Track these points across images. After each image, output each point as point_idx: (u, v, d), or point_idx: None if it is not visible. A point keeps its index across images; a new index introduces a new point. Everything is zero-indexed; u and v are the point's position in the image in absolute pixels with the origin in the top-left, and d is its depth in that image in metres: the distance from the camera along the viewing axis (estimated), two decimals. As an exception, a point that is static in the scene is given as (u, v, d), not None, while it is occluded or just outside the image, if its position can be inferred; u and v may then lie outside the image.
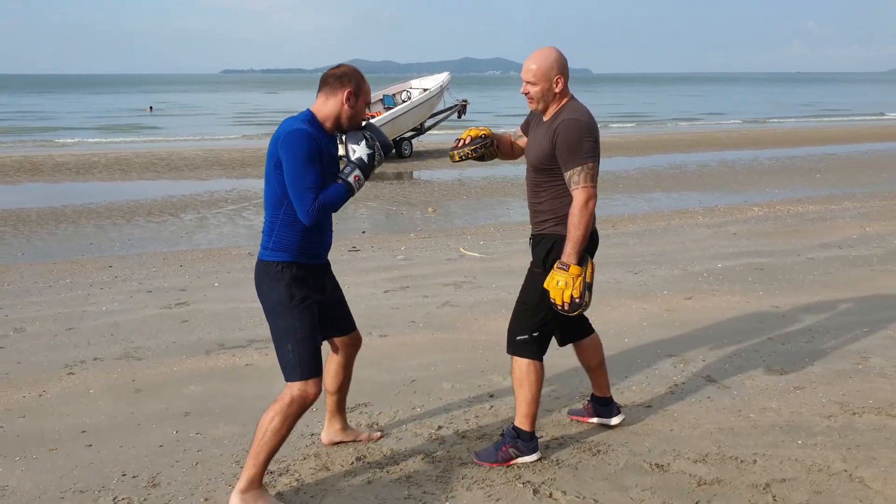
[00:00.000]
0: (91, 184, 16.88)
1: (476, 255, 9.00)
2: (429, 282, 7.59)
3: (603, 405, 4.08)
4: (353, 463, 3.73)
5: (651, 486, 3.47)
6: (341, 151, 3.39)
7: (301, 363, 3.27)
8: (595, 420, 4.11)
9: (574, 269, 3.42)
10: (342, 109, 3.29)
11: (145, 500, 3.43)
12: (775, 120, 40.56)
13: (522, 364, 3.62)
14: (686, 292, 6.89)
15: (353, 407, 4.40)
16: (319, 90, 3.33)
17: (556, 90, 3.55)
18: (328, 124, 3.31)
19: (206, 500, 3.42)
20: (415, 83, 24.58)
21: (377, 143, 3.34)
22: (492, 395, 4.59)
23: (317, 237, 3.35)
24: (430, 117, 22.82)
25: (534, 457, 3.68)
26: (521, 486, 3.48)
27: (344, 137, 3.37)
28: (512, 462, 3.65)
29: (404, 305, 6.69)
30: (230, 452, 3.88)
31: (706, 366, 5.01)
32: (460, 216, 13.12)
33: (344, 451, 3.85)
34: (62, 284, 8.06)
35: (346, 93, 3.27)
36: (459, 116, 23.28)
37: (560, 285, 3.42)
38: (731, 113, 46.60)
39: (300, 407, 3.28)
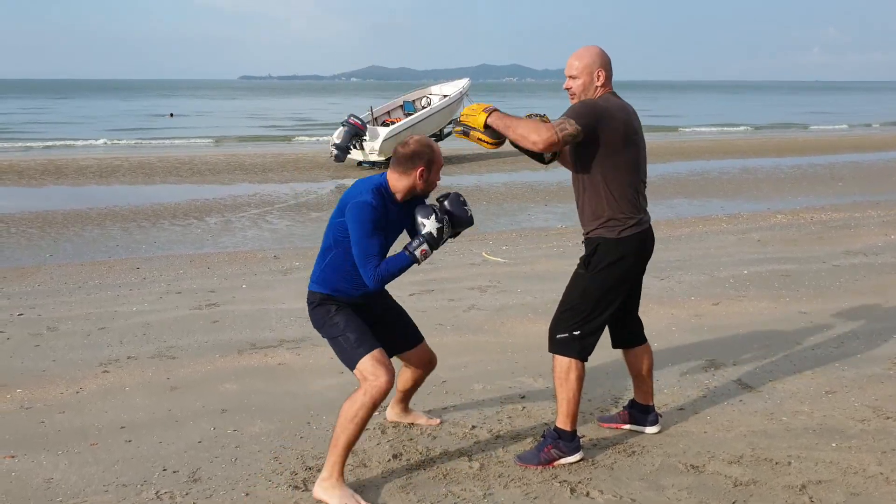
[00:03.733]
0: (114, 187, 17.04)
1: (499, 259, 9.03)
2: (454, 286, 7.63)
3: (643, 412, 4.07)
4: (389, 460, 3.77)
5: (687, 486, 3.50)
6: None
7: (355, 343, 3.46)
8: (630, 427, 4.09)
9: (479, 108, 3.62)
10: (416, 184, 3.52)
11: (187, 493, 3.49)
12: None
13: (563, 363, 3.64)
14: (713, 298, 6.89)
15: (388, 405, 4.45)
16: (392, 165, 3.54)
17: (598, 83, 3.60)
18: (400, 196, 3.53)
19: (247, 494, 3.47)
20: (435, 89, 24.65)
21: (446, 217, 3.51)
22: (523, 397, 4.62)
23: (354, 284, 3.54)
24: (449, 123, 22.89)
25: (576, 457, 3.69)
26: (558, 484, 3.51)
27: (415, 210, 3.53)
28: (555, 463, 3.66)
29: (431, 308, 6.73)
30: (268, 449, 3.93)
31: (737, 370, 5.02)
32: (481, 221, 13.12)
33: (381, 449, 3.90)
34: (91, 285, 8.16)
35: (418, 172, 3.50)
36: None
37: (469, 107, 3.67)
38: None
39: (376, 393, 3.36)
